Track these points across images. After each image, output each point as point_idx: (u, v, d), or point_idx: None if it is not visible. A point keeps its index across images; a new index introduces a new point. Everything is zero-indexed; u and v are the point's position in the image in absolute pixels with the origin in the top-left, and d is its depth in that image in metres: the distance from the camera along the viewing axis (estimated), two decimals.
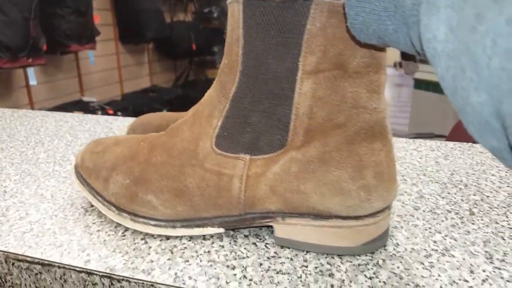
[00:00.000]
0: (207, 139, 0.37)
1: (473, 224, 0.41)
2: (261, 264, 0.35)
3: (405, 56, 0.32)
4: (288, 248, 0.37)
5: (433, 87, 3.47)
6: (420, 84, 3.61)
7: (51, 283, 0.36)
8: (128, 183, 0.39)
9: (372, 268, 0.34)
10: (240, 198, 0.36)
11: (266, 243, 0.38)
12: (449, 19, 0.19)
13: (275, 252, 0.36)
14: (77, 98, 3.12)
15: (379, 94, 0.33)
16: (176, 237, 0.39)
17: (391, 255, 0.36)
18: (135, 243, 0.38)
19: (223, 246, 0.37)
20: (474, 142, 0.68)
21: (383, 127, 0.34)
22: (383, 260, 0.35)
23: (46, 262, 0.35)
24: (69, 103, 2.95)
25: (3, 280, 0.38)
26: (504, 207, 0.44)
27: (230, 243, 0.38)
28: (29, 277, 0.37)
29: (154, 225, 0.38)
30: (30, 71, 2.79)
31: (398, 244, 0.37)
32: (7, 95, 2.71)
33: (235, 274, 0.33)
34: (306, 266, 0.34)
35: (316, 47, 0.31)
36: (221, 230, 0.38)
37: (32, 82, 2.83)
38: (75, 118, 0.84)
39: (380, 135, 0.34)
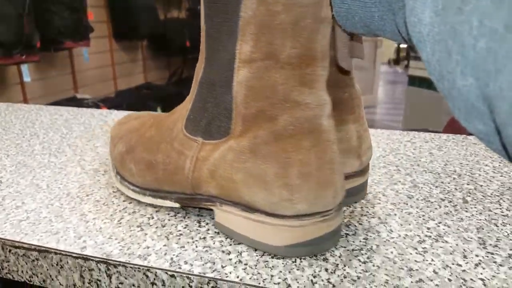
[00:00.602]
0: (181, 120, 0.39)
1: (466, 211, 0.41)
2: (256, 250, 0.35)
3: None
4: None
5: (427, 84, 3.48)
6: (414, 81, 3.63)
7: (47, 270, 0.36)
8: (123, 151, 0.44)
9: (366, 253, 0.34)
10: (189, 178, 0.37)
11: None
12: (434, 1, 0.19)
13: None
14: (71, 95, 3.11)
15: (313, 89, 0.32)
16: (172, 224, 0.39)
17: (384, 241, 0.36)
18: (131, 230, 0.38)
19: (218, 233, 0.37)
20: (468, 134, 0.68)
21: (316, 125, 0.33)
22: (377, 246, 0.35)
23: (42, 248, 0.36)
24: (63, 100, 2.94)
25: (0, 267, 0.38)
26: (498, 196, 0.45)
27: None
28: (26, 263, 0.37)
29: (132, 190, 0.43)
30: (24, 67, 2.77)
31: (391, 231, 0.38)
32: (1, 92, 2.70)
33: (230, 259, 0.34)
34: None
35: (249, 36, 0.32)
36: (177, 205, 0.40)
37: (26, 78, 2.81)
38: (69, 112, 0.84)
39: (311, 133, 0.33)
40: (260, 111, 0.33)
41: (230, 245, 0.36)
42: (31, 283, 0.38)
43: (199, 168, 0.36)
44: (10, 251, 0.37)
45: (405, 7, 0.22)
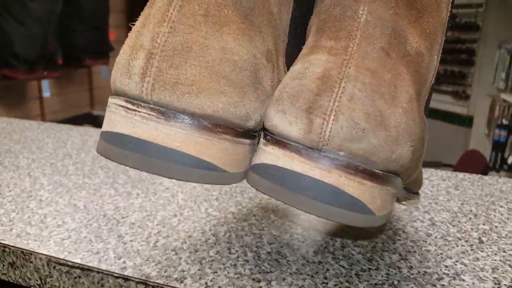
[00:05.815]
0: None
1: (482, 251, 0.43)
2: (284, 279, 0.37)
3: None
4: (309, 265, 0.39)
5: (442, 116, 3.49)
6: (428, 113, 3.64)
7: (88, 287, 0.39)
8: None
9: None
10: None
11: (288, 260, 0.40)
12: None
13: (296, 269, 0.39)
14: (87, 111, 3.17)
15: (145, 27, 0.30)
16: (204, 249, 0.41)
17: (405, 277, 0.38)
18: (166, 254, 0.40)
19: (248, 261, 0.40)
20: (482, 173, 0.70)
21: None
22: (398, 281, 0.38)
23: (85, 267, 0.38)
24: (79, 116, 3.00)
25: (42, 282, 0.41)
26: None
27: (254, 258, 0.40)
28: (68, 280, 0.39)
29: None
30: (45, 83, 2.84)
31: (411, 267, 0.40)
32: (20, 106, 2.76)
33: (260, 287, 0.36)
34: (326, 283, 0.37)
35: None
36: None
37: (46, 93, 2.88)
38: (99, 133, 0.88)
39: None
40: None
41: (260, 273, 0.38)
42: None
43: None
44: (54, 267, 0.39)
45: None
